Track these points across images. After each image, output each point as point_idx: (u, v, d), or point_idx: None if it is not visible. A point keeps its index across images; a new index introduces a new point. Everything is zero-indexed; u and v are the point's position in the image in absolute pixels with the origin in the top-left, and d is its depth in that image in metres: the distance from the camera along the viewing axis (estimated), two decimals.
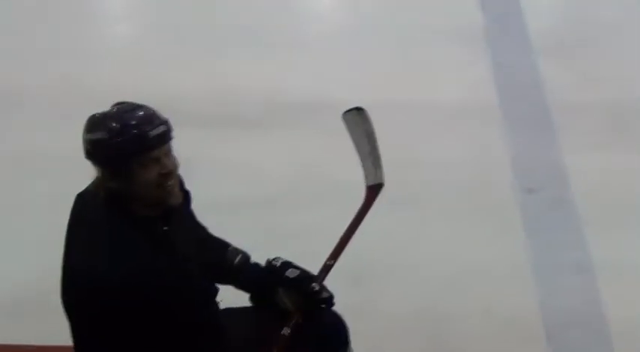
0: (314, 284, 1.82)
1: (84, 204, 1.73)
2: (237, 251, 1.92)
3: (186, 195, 1.81)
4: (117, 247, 1.63)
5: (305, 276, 1.84)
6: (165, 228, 1.69)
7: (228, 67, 3.98)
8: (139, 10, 4.92)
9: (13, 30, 4.41)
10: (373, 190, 1.92)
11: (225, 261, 1.89)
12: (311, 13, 4.87)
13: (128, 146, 1.60)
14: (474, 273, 2.80)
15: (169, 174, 1.64)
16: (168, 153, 1.65)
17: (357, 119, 2.00)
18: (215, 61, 4.03)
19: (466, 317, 2.62)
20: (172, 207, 1.68)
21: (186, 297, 1.67)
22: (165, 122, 1.65)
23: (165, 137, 1.64)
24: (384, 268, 2.82)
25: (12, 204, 3.10)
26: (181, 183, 1.77)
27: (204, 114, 3.52)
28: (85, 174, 1.71)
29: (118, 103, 1.68)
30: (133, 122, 1.61)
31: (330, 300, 1.84)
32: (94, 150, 1.63)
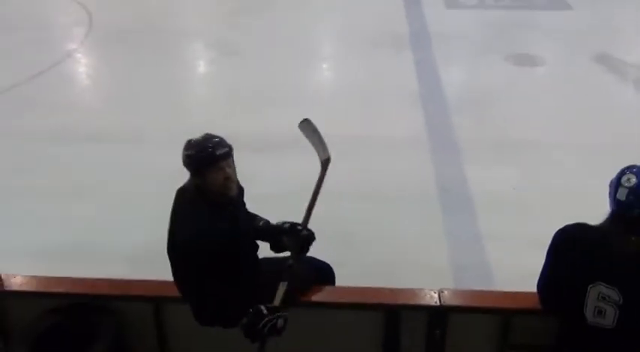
0: (299, 228, 1.80)
1: (181, 194, 1.81)
2: (260, 219, 1.95)
3: (241, 190, 1.88)
4: (199, 219, 1.71)
5: (294, 225, 1.83)
6: (230, 207, 1.76)
7: (266, 115, 3.98)
8: (215, 78, 4.85)
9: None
10: (325, 163, 1.84)
11: (255, 226, 1.93)
12: (315, 83, 4.84)
13: (204, 159, 1.69)
14: (410, 240, 2.84)
15: (229, 178, 1.72)
16: (230, 164, 1.73)
17: (305, 125, 1.97)
18: (257, 111, 4.03)
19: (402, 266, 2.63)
20: (232, 197, 1.76)
21: (237, 248, 1.72)
22: (228, 146, 1.73)
23: (226, 155, 1.72)
24: (356, 240, 2.85)
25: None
26: (238, 183, 1.84)
27: (250, 141, 3.48)
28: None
29: (205, 134, 1.76)
30: (208, 145, 1.70)
31: (311, 236, 1.82)
32: (186, 160, 1.73)
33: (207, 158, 1.67)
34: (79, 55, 4.89)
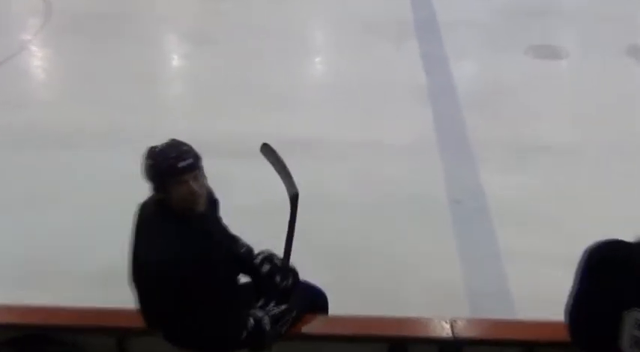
0: (277, 277, 1.83)
1: (144, 210, 1.80)
2: (244, 245, 1.93)
3: (214, 203, 1.86)
4: (165, 238, 1.69)
5: (272, 270, 1.83)
6: (200, 223, 1.73)
7: (246, 116, 3.97)
8: (189, 73, 4.84)
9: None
10: (294, 200, 1.86)
11: (235, 251, 1.91)
12: (307, 78, 4.83)
13: (164, 171, 1.67)
14: (416, 261, 2.82)
15: (195, 193, 1.70)
16: (196, 177, 1.70)
17: (266, 150, 1.95)
18: (238, 112, 4.01)
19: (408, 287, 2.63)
20: (201, 213, 1.74)
21: (210, 272, 1.69)
22: (194, 156, 1.70)
23: (192, 167, 1.69)
24: (353, 257, 2.83)
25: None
26: (211, 195, 1.82)
27: (229, 147, 3.51)
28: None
29: (170, 140, 1.74)
30: (170, 155, 1.67)
31: (288, 290, 1.83)
32: (145, 172, 1.72)
33: (169, 170, 1.66)
34: (34, 47, 4.85)
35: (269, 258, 1.87)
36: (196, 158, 1.71)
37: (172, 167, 1.66)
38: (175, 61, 5.04)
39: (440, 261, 2.83)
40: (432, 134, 3.85)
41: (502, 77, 4.53)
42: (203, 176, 1.74)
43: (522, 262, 2.79)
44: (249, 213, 2.86)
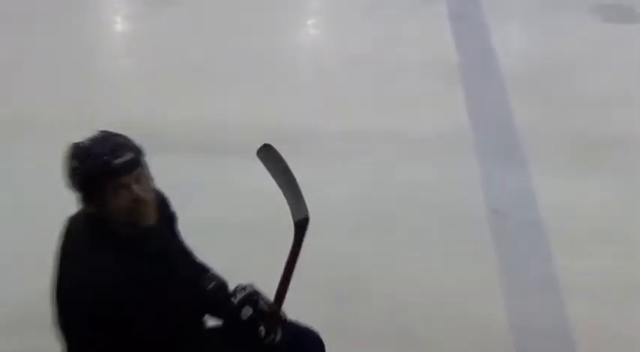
0: (261, 329, 1.74)
1: (73, 225, 1.78)
2: (212, 277, 1.89)
3: (169, 216, 1.84)
4: (99, 264, 1.66)
5: (255, 318, 1.75)
6: (148, 243, 1.70)
7: (212, 99, 3.98)
8: (137, 44, 4.88)
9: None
10: (301, 225, 1.80)
11: (200, 286, 1.87)
12: (298, 50, 4.84)
13: (95, 173, 1.64)
14: (446, 292, 2.80)
15: (139, 200, 1.67)
16: (139, 179, 1.68)
17: (267, 155, 1.90)
18: (202, 94, 4.01)
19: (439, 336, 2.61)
20: (148, 228, 1.70)
21: (152, 311, 1.67)
22: (134, 150, 1.68)
23: (132, 165, 1.66)
24: (359, 288, 2.81)
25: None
26: (164, 204, 1.81)
27: (191, 141, 3.54)
28: None
29: (99, 132, 1.72)
30: (101, 151, 1.65)
31: (274, 347, 1.76)
32: (69, 177, 1.69)
33: (102, 172, 1.65)
34: None
35: (252, 298, 1.78)
36: (137, 152, 1.70)
37: (106, 167, 1.65)
38: (120, 27, 5.04)
39: (476, 290, 2.84)
40: (466, 124, 3.86)
41: (559, 47, 4.53)
42: (149, 177, 1.72)
43: (585, 292, 2.81)
44: (221, 231, 2.84)
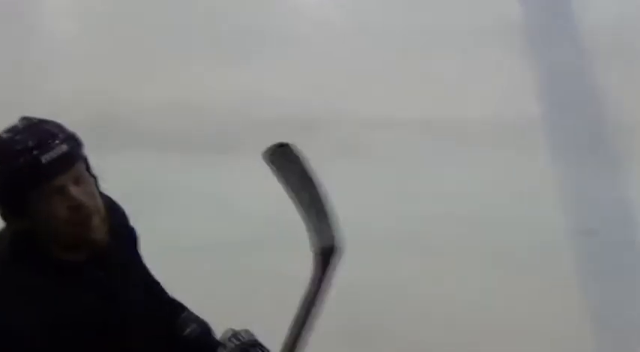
0: None
1: None
2: (190, 319, 1.91)
3: (127, 232, 1.83)
4: (29, 297, 1.64)
5: None
6: (95, 269, 1.69)
7: (194, 76, 4.02)
8: (88, 7, 4.96)
9: None
10: (326, 254, 1.79)
11: (175, 330, 1.87)
12: (299, 10, 4.93)
13: (19, 176, 1.63)
14: (522, 329, 2.86)
15: (81, 207, 1.64)
16: (79, 179, 1.66)
17: (282, 156, 1.87)
18: (179, 70, 4.07)
19: None
20: (97, 247, 1.68)
21: None
22: (67, 141, 1.66)
23: (68, 160, 1.65)
24: (384, 329, 2.87)
25: None
26: (120, 217, 1.81)
27: (166, 133, 3.52)
28: None
29: (21, 119, 1.70)
30: (23, 145, 1.63)
31: None
32: None
33: (28, 171, 1.63)
34: None
35: (248, 350, 1.81)
36: (74, 144, 1.67)
37: (33, 165, 1.62)
38: None
39: (562, 331, 2.88)
40: (536, 110, 3.88)
41: None
42: (93, 177, 1.70)
43: None
44: (201, 253, 2.84)
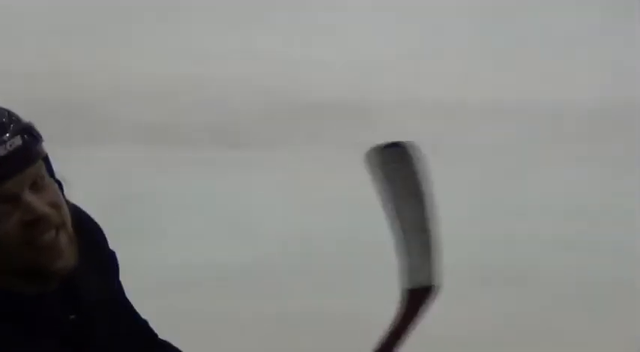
0: None
1: None
2: None
3: (107, 258, 1.83)
4: None
5: None
6: (59, 313, 1.65)
7: (204, 44, 4.21)
8: None
9: None
10: (417, 295, 1.86)
11: None
12: None
13: None
14: None
15: (40, 221, 1.64)
16: (37, 184, 1.66)
17: (395, 165, 1.85)
18: (183, 37, 4.30)
19: None
20: (63, 278, 1.68)
21: None
22: (21, 133, 1.66)
23: (22, 159, 1.65)
24: None
25: None
26: (93, 233, 1.81)
27: (159, 122, 3.64)
28: None
29: None
30: None
31: None
32: None
33: None
34: None
35: None
36: (30, 137, 1.69)
37: None
38: None
39: None
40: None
41: None
42: (53, 181, 1.70)
43: None
44: (205, 282, 2.94)
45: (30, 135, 1.68)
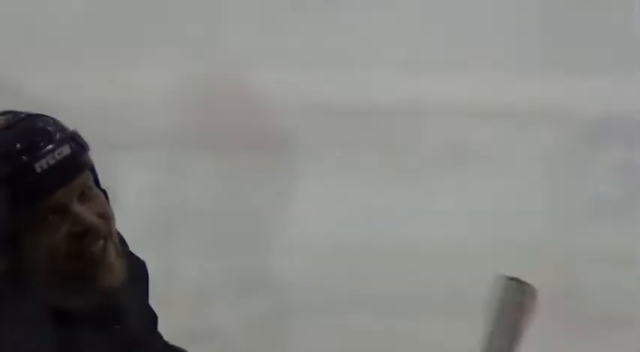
0: None
1: None
2: None
3: (142, 270, 1.84)
4: None
5: None
6: (108, 331, 1.70)
7: (229, 48, 4.03)
8: None
9: None
10: None
11: None
12: None
13: (1, 191, 1.63)
14: None
15: (89, 232, 1.63)
16: (86, 194, 1.66)
17: (510, 299, 1.89)
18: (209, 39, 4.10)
19: None
20: (111, 294, 1.67)
21: None
22: (69, 141, 1.66)
23: (71, 168, 1.65)
24: None
25: None
26: (137, 262, 1.82)
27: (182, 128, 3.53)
28: None
29: (3, 113, 1.70)
30: (9, 149, 1.64)
31: None
32: None
33: (12, 187, 1.65)
34: None
35: None
36: (78, 146, 1.67)
37: (22, 174, 1.62)
38: None
39: None
40: None
41: None
42: (100, 192, 1.70)
43: None
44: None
45: (77, 143, 1.68)
